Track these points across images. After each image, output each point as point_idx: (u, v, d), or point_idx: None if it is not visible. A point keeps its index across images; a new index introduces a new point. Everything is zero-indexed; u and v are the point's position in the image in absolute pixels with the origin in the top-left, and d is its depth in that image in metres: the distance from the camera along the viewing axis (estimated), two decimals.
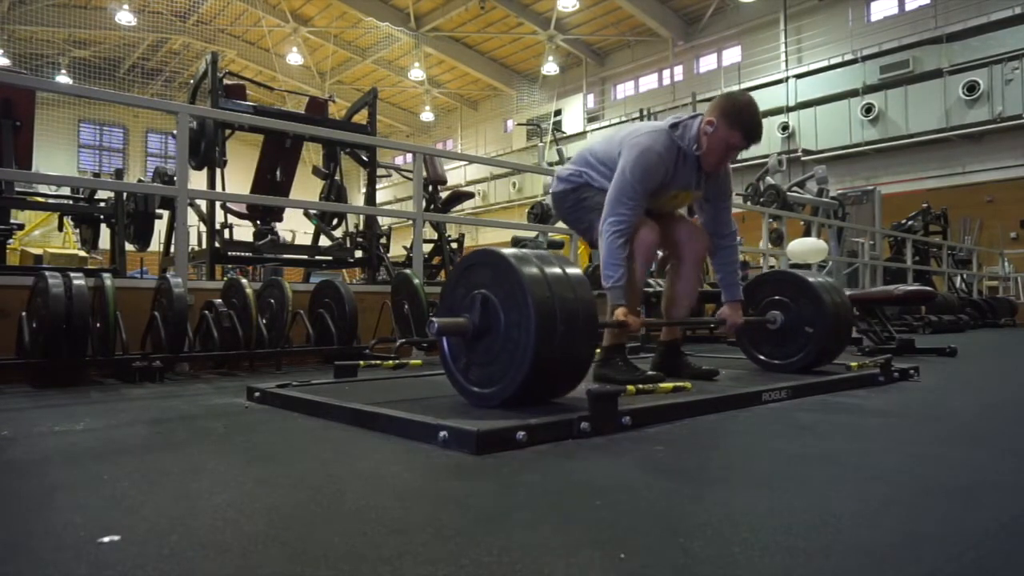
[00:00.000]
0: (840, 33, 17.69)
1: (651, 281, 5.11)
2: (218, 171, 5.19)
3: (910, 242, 10.77)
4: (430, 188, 6.86)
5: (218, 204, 5.41)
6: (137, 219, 5.35)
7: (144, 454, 1.66)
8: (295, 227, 10.32)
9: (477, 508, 1.22)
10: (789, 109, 17.35)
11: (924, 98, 15.36)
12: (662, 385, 2.33)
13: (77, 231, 7.41)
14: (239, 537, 1.03)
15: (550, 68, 22.12)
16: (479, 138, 27.70)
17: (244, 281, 3.69)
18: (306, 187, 7.16)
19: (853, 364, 3.11)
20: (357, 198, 14.14)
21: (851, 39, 17.22)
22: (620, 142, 2.76)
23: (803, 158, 16.48)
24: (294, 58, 23.27)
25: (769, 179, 9.66)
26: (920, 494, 1.32)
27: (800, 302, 3.12)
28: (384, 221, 8.33)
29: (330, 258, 6.12)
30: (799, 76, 17.66)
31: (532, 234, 7.89)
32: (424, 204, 5.99)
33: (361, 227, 6.22)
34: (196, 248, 7.59)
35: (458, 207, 7.81)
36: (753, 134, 2.67)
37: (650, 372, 2.67)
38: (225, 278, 4.59)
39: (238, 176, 6.39)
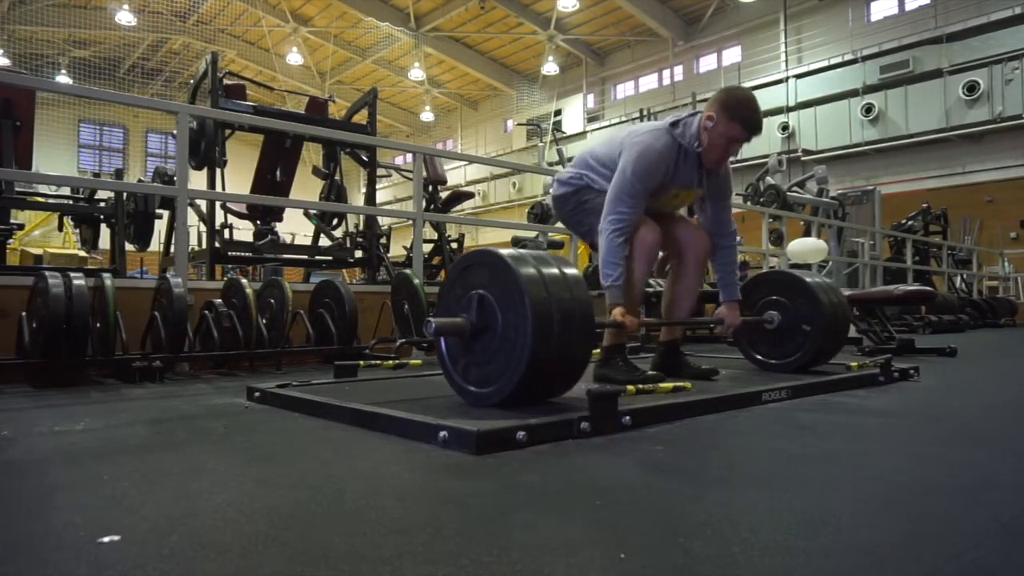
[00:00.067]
0: (840, 33, 17.69)
1: (651, 281, 5.10)
2: (218, 171, 5.19)
3: (910, 242, 10.77)
4: (430, 188, 6.86)
5: (218, 204, 5.41)
6: (137, 219, 5.36)
7: (144, 454, 1.66)
8: (295, 228, 10.32)
9: (477, 508, 1.22)
10: (789, 109, 17.35)
11: (924, 98, 15.36)
12: (662, 385, 2.33)
13: (77, 231, 7.41)
14: (239, 537, 1.03)
15: (550, 68, 22.13)
16: (479, 138, 27.70)
17: (244, 281, 3.69)
18: (306, 187, 7.15)
19: (853, 364, 3.11)
20: (357, 198, 14.14)
21: (851, 39, 17.22)
22: (620, 143, 2.76)
23: (803, 158, 16.48)
24: (294, 58, 23.28)
25: (769, 179, 9.66)
26: (920, 494, 1.32)
27: (797, 302, 3.12)
28: (384, 221, 8.32)
29: (330, 258, 6.11)
30: (799, 76, 17.65)
31: (532, 234, 7.89)
32: (424, 204, 5.99)
33: (361, 227, 6.22)
34: (196, 248, 7.58)
35: (458, 207, 7.81)
36: (753, 125, 2.66)
37: (650, 372, 2.66)
38: (225, 278, 4.59)
39: (238, 176, 6.39)
